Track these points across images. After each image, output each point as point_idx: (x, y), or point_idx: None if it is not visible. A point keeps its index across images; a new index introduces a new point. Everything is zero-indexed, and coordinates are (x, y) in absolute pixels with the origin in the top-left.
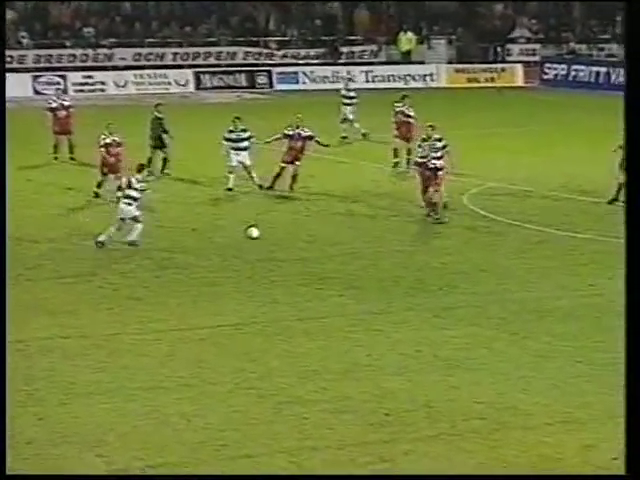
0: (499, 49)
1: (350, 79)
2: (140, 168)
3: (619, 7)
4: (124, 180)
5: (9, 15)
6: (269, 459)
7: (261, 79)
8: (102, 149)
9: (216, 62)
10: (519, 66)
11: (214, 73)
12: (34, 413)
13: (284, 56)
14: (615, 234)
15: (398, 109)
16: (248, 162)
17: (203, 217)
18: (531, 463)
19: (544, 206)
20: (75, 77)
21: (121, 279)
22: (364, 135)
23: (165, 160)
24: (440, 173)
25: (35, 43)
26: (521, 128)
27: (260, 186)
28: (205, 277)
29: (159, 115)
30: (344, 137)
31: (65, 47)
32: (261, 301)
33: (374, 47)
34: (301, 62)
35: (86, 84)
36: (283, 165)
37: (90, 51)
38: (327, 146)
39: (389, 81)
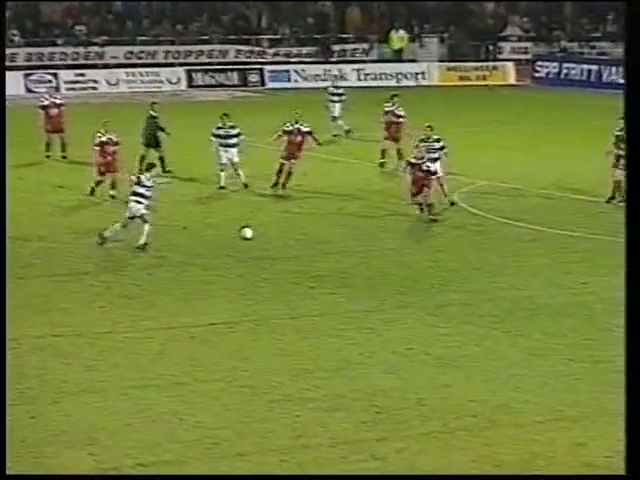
0: (491, 47)
1: (337, 76)
2: (149, 166)
3: (610, 5)
4: (133, 178)
5: None
6: (261, 457)
7: (253, 77)
8: (97, 148)
9: (208, 60)
10: (511, 64)
11: (206, 71)
12: (26, 411)
13: (276, 54)
14: (607, 232)
15: (388, 109)
16: (236, 159)
17: (194, 215)
18: (522, 461)
19: (536, 204)
20: (67, 75)
21: (113, 277)
22: (347, 132)
23: (162, 159)
24: (432, 176)
25: (27, 41)
26: (512, 126)
27: (245, 185)
28: (197, 275)
29: (154, 114)
30: (335, 135)
31: (57, 45)
32: (253, 299)
33: (366, 45)
34: (293, 60)
35: (78, 82)
36: (283, 162)
37: (82, 49)
38: (320, 144)
39: (381, 79)
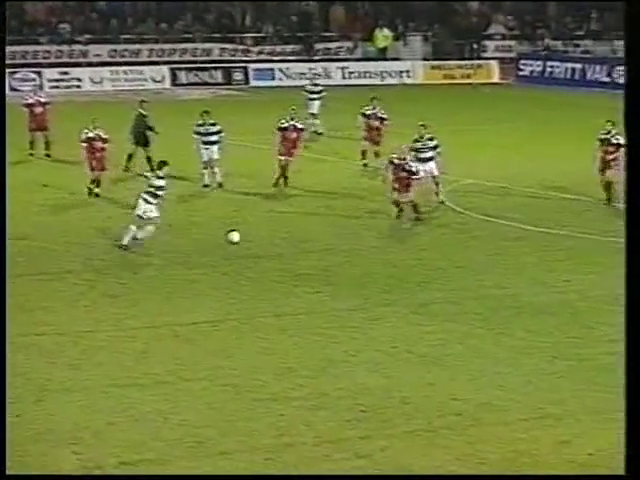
0: (475, 46)
1: (321, 75)
2: (161, 165)
3: (593, 5)
4: (148, 175)
5: None
6: (245, 456)
7: (237, 75)
8: (84, 144)
9: (192, 58)
10: (495, 63)
11: (190, 69)
12: (10, 410)
13: (260, 52)
14: (592, 230)
15: (369, 112)
16: (216, 156)
17: (179, 214)
18: (506, 459)
19: (520, 203)
20: (51, 73)
21: (96, 276)
22: (319, 134)
23: (149, 159)
24: (414, 177)
25: (10, 39)
26: (497, 125)
27: (220, 184)
28: (181, 274)
29: (143, 112)
30: (319, 133)
31: (41, 44)
32: (237, 298)
33: (350, 44)
34: (277, 59)
35: (62, 80)
36: (281, 158)
37: (66, 47)
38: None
39: (365, 77)
